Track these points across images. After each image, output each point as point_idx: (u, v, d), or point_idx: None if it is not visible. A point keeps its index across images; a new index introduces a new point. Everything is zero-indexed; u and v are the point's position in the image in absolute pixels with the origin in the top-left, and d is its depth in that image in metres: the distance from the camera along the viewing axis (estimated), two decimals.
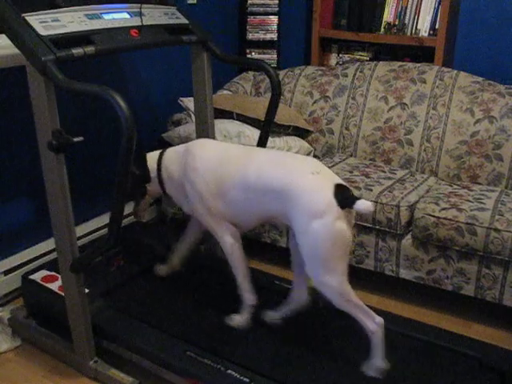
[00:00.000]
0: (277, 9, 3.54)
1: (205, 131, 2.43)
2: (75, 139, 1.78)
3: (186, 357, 1.89)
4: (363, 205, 1.68)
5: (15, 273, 2.47)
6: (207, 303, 2.18)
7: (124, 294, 2.23)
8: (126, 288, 2.27)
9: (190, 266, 2.39)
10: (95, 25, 1.93)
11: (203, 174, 1.94)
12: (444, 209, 2.36)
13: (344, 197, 1.70)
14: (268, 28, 3.58)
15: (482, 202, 2.43)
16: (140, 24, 2.08)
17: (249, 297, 2.05)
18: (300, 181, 1.73)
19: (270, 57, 3.62)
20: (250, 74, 3.50)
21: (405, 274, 2.50)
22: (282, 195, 1.75)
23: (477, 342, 2.03)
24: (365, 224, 2.50)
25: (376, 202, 2.45)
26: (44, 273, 2.28)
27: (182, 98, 3.11)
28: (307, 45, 3.59)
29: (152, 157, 2.14)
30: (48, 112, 1.74)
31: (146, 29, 2.08)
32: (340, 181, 1.76)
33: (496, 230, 2.24)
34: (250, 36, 3.57)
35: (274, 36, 3.59)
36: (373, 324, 1.79)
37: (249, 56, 3.60)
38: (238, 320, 2.06)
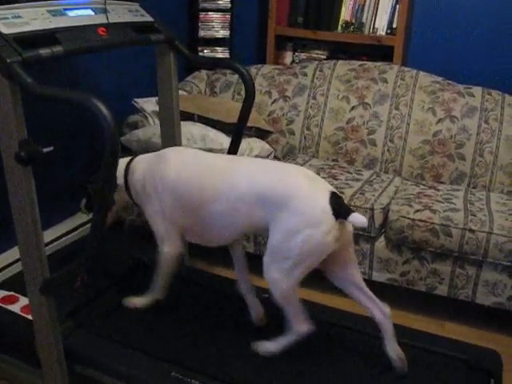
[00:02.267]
0: (229, 5, 3.45)
1: (171, 135, 2.32)
2: (45, 150, 1.63)
3: (171, 378, 1.78)
4: (357, 218, 1.62)
5: None
6: (189, 318, 2.06)
7: (93, 313, 2.07)
8: (94, 305, 2.11)
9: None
10: (60, 22, 1.78)
11: (175, 185, 1.83)
12: (418, 210, 2.37)
13: (338, 207, 1.64)
14: (220, 25, 3.48)
15: (451, 202, 2.46)
16: (106, 21, 1.94)
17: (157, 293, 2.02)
18: (296, 187, 1.66)
19: (222, 55, 3.52)
20: (203, 72, 3.39)
21: (377, 276, 2.50)
22: (276, 202, 1.66)
23: (461, 343, 2.04)
24: None
25: (350, 205, 2.42)
26: (2, 293, 2.09)
27: (136, 99, 2.97)
28: (260, 42, 3.52)
29: (120, 163, 2.01)
30: (14, 120, 1.58)
31: (113, 27, 1.94)
32: (333, 189, 1.70)
33: (471, 230, 2.27)
34: (201, 33, 3.46)
35: (227, 33, 3.49)
36: (304, 327, 1.77)
37: (201, 54, 3.49)
38: None
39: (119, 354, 1.87)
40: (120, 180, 2.00)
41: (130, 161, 2.02)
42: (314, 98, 3.06)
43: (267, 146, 3.03)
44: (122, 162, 2.02)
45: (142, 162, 2.00)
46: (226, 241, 1.95)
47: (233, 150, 2.26)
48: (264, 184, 1.71)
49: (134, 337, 1.96)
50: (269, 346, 1.86)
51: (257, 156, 2.90)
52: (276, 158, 3.10)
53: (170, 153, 1.95)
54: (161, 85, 2.28)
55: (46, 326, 1.79)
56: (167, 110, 2.31)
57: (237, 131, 2.25)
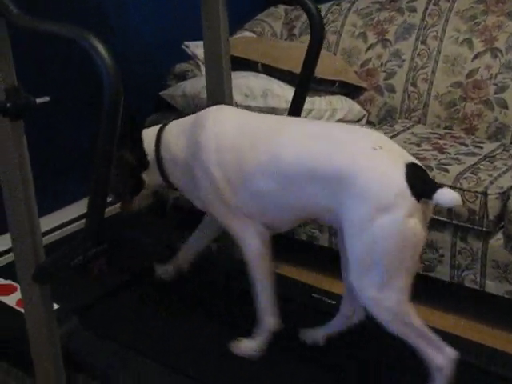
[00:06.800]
0: None
1: (219, 88, 2.34)
2: (38, 100, 1.70)
3: None
4: (447, 196, 1.59)
5: None
6: (220, 322, 2.12)
7: (107, 312, 2.17)
8: (109, 303, 2.21)
9: (197, 271, 2.33)
10: None
11: (219, 155, 1.84)
12: None
13: (420, 182, 1.61)
14: None
15: None
16: None
17: (269, 320, 1.95)
18: (358, 160, 1.65)
19: None
20: (281, 8, 3.46)
21: (493, 287, 2.45)
22: (332, 182, 1.66)
23: None
24: (435, 216, 2.40)
25: (454, 188, 2.35)
26: None
27: (186, 43, 3.04)
28: None
29: (149, 134, 2.02)
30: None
31: None
32: (412, 159, 1.67)
33: None
34: None
35: None
36: (440, 357, 1.69)
37: None
38: (248, 346, 1.97)
39: (129, 362, 1.95)
40: (151, 155, 2.02)
41: (161, 129, 2.03)
42: (424, 42, 3.04)
43: (357, 107, 3.03)
44: (151, 132, 2.04)
45: (176, 129, 2.01)
46: (281, 228, 1.96)
47: (295, 110, 2.25)
48: (315, 156, 1.71)
49: (154, 344, 2.03)
50: None
51: (342, 121, 2.89)
52: (370, 122, 3.12)
53: (206, 115, 1.94)
54: (206, 22, 2.29)
55: (39, 322, 1.87)
56: (214, 57, 2.32)
57: (300, 85, 2.25)
